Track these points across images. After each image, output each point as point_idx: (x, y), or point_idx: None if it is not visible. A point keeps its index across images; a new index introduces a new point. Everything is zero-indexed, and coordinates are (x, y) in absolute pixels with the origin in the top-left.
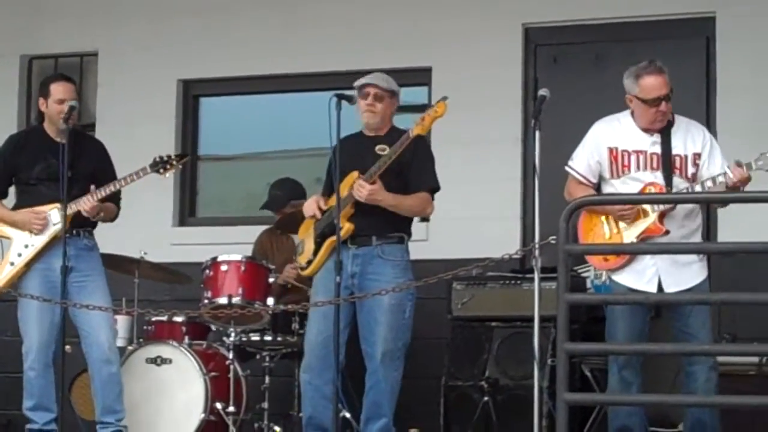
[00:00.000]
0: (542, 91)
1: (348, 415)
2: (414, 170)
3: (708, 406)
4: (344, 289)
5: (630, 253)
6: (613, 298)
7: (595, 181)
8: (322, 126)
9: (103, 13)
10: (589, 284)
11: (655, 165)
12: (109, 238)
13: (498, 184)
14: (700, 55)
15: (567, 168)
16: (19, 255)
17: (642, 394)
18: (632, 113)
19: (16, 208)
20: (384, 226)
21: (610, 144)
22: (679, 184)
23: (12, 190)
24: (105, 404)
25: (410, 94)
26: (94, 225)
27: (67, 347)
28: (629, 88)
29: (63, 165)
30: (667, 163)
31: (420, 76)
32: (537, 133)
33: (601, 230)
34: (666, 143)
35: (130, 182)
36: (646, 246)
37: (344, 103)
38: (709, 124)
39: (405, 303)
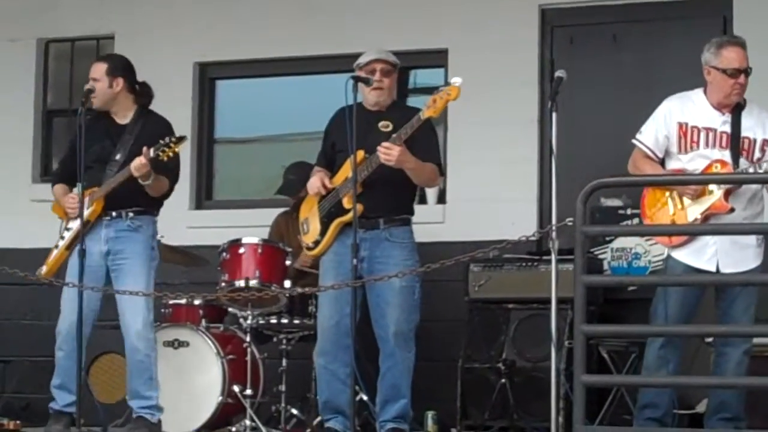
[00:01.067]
0: (559, 73)
1: (365, 397)
2: (420, 144)
3: (723, 386)
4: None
5: (648, 234)
6: (630, 280)
7: (661, 155)
8: (338, 108)
9: None
10: (605, 266)
11: (724, 144)
12: None
13: (515, 166)
14: (717, 35)
15: (634, 141)
16: (62, 238)
17: (662, 376)
18: (704, 91)
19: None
20: (390, 206)
21: (681, 119)
22: (745, 165)
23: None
24: (131, 388)
25: (427, 76)
26: (142, 204)
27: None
28: (708, 59)
29: (80, 149)
30: (736, 143)
31: (436, 58)
32: (554, 115)
33: (665, 205)
34: (736, 124)
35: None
36: (667, 227)
37: (360, 85)
38: None
39: (414, 284)
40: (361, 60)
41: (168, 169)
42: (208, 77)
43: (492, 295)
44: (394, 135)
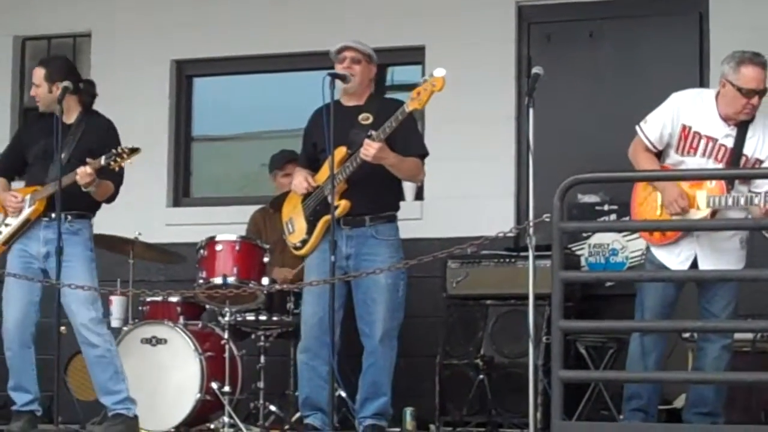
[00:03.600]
0: (536, 69)
1: (344, 394)
2: (400, 138)
3: (699, 382)
4: (338, 270)
5: (625, 230)
6: (607, 276)
7: (661, 149)
8: (316, 105)
9: None
10: (583, 262)
11: (720, 157)
12: (103, 219)
13: (492, 162)
14: (693, 32)
15: (638, 128)
16: None
17: (645, 367)
18: (716, 97)
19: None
20: (376, 203)
21: (686, 121)
22: (739, 186)
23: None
24: (99, 385)
25: (404, 73)
26: (82, 208)
27: (62, 328)
28: (726, 72)
29: (57, 143)
30: (735, 158)
31: (413, 55)
32: (531, 111)
33: (654, 202)
34: (740, 139)
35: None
36: (644, 224)
37: (338, 82)
38: None
39: (398, 282)
40: (332, 48)
41: (113, 174)
42: (185, 75)
43: (470, 291)
44: (373, 132)
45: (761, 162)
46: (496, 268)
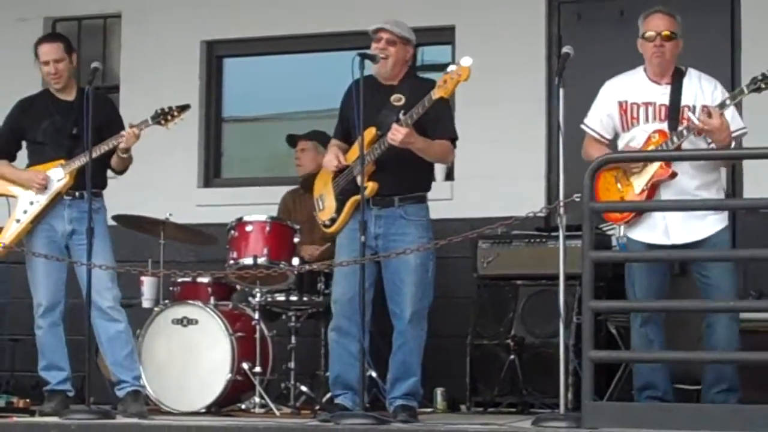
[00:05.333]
0: (566, 49)
1: (374, 374)
2: (431, 121)
3: (728, 362)
4: (367, 250)
5: (650, 209)
6: (638, 256)
7: (609, 137)
8: (346, 86)
9: None
10: (614, 242)
11: (663, 116)
12: (134, 200)
13: (522, 143)
14: (724, 10)
15: (582, 126)
16: (25, 212)
17: (665, 351)
18: (644, 68)
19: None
20: (405, 184)
21: (620, 98)
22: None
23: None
24: (117, 360)
25: (434, 53)
26: (100, 186)
27: None
28: (639, 30)
29: (87, 121)
30: (674, 112)
31: (443, 35)
32: (561, 91)
33: (614, 187)
34: (675, 93)
35: (133, 134)
36: (665, 203)
37: (367, 62)
38: (734, 79)
39: (428, 262)
40: (370, 28)
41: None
42: (215, 55)
43: (500, 271)
44: (401, 117)
45: (707, 108)
46: (527, 248)
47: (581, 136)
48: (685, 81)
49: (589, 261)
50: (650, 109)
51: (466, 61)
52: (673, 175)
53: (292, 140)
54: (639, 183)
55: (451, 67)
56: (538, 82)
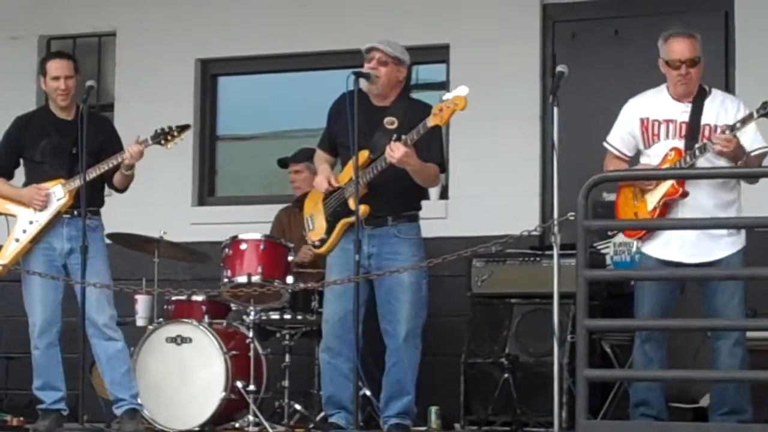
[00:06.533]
0: (560, 67)
1: (368, 392)
2: (424, 144)
3: (722, 381)
4: (360, 269)
5: (651, 228)
6: (632, 274)
7: (630, 154)
8: (340, 94)
9: None
10: (608, 260)
11: (682, 133)
12: (128, 218)
13: (517, 161)
14: (718, 30)
15: (604, 144)
16: (24, 231)
17: (660, 370)
18: (667, 85)
19: (24, 187)
20: (398, 204)
21: (642, 114)
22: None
23: (19, 171)
24: (115, 379)
25: (428, 72)
26: (97, 205)
27: None
28: (660, 51)
29: (82, 142)
30: (692, 131)
31: (438, 54)
32: (555, 110)
33: (631, 203)
34: (696, 112)
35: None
36: (668, 221)
37: (362, 81)
38: None
39: (421, 280)
40: (364, 47)
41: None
42: (209, 74)
43: (494, 290)
44: (404, 136)
45: (729, 127)
46: (521, 266)
47: (576, 155)
48: (707, 101)
49: (584, 279)
50: (671, 126)
51: (462, 91)
52: (684, 194)
53: (283, 164)
54: (651, 200)
55: (447, 96)
56: (532, 101)
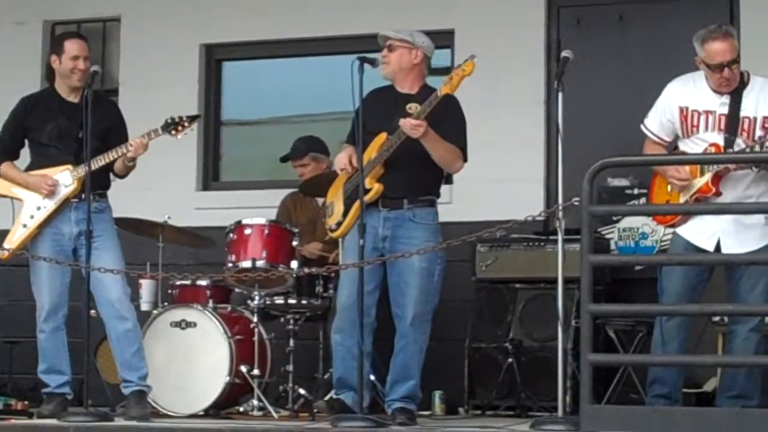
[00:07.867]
0: (565, 53)
1: (372, 377)
2: (445, 124)
3: (728, 365)
4: (374, 251)
5: (655, 213)
6: (637, 260)
7: (669, 139)
8: (345, 89)
9: None
10: (613, 246)
11: (722, 126)
12: (133, 203)
13: (521, 146)
14: (723, 15)
15: (641, 127)
16: (32, 217)
17: (665, 354)
18: (706, 75)
19: (29, 169)
20: (414, 186)
21: (681, 103)
22: (742, 146)
23: (24, 151)
24: (124, 359)
25: (433, 57)
26: (104, 187)
27: (93, 312)
28: (697, 50)
29: (86, 129)
30: (732, 125)
31: (443, 39)
32: (560, 95)
33: (665, 189)
34: (735, 104)
35: (142, 144)
36: (669, 206)
37: (367, 66)
38: None
39: (434, 266)
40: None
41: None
42: (214, 59)
43: (499, 275)
44: (413, 105)
45: None
46: (526, 251)
47: (580, 140)
48: (746, 91)
49: (588, 264)
50: (710, 117)
51: (470, 58)
52: (717, 194)
53: (286, 160)
54: (684, 195)
55: (458, 64)
56: (537, 86)
